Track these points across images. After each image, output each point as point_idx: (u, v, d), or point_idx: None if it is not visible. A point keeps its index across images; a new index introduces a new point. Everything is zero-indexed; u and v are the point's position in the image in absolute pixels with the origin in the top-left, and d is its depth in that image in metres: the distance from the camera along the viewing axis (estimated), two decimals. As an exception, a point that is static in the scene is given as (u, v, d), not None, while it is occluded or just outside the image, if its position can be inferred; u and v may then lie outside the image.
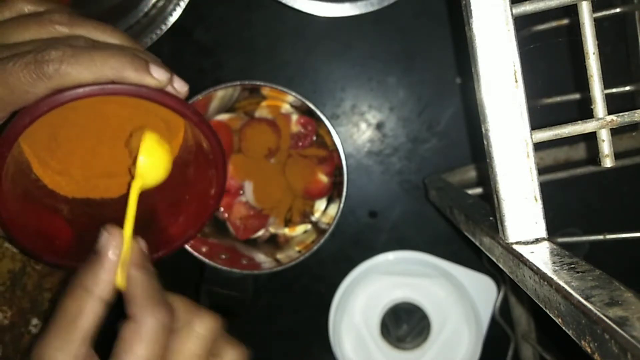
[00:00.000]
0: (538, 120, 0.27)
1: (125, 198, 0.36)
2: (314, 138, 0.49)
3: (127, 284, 0.28)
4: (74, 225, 0.35)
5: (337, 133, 0.44)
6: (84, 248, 0.34)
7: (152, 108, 0.32)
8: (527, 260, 0.24)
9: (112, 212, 0.37)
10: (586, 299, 0.20)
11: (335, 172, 0.49)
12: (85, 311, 0.27)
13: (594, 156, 0.26)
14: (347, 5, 0.48)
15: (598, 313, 0.19)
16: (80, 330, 0.27)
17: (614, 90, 0.41)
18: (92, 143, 0.34)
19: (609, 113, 0.25)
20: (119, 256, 0.28)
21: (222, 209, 0.50)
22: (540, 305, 0.23)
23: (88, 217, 0.36)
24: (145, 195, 0.32)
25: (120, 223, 0.35)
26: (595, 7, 0.26)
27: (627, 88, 0.42)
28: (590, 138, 0.26)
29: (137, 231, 0.31)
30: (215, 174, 0.34)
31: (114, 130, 0.34)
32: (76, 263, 0.33)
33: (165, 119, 0.34)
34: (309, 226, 0.50)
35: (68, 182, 0.35)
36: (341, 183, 0.45)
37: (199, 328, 0.29)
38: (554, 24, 0.43)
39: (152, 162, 0.31)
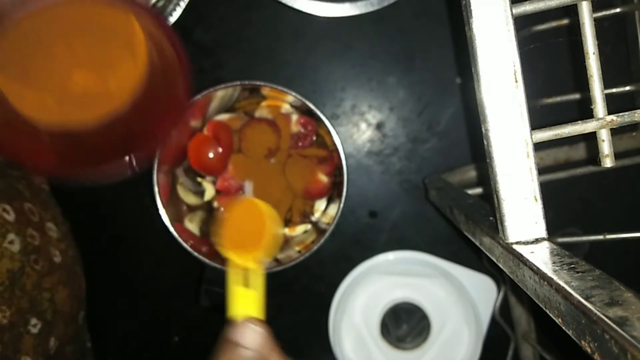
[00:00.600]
0: (538, 120, 0.27)
1: (105, 125, 0.38)
2: (314, 138, 0.49)
3: None
4: (56, 150, 0.37)
5: (337, 133, 0.44)
6: (65, 165, 0.37)
7: (115, 35, 0.33)
8: (527, 260, 0.24)
9: (92, 137, 0.39)
10: (586, 299, 0.20)
11: (335, 172, 0.49)
12: None
13: (594, 156, 0.26)
14: (347, 5, 0.48)
15: (598, 313, 0.19)
16: None
17: (614, 90, 0.41)
18: (61, 70, 0.37)
19: (609, 113, 0.25)
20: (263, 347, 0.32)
21: (222, 208, 0.50)
22: (540, 305, 0.23)
23: (68, 142, 0.38)
24: (121, 121, 0.35)
25: (101, 148, 0.38)
26: (595, 7, 0.26)
27: (627, 88, 0.42)
28: (590, 138, 0.26)
29: (118, 148, 0.35)
30: (180, 70, 0.35)
31: (81, 57, 0.36)
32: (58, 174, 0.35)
33: (129, 43, 0.36)
34: (309, 226, 0.50)
35: (44, 111, 0.37)
36: (341, 183, 0.45)
37: None
38: (554, 24, 0.43)
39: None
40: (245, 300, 0.32)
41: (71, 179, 0.36)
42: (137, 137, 0.36)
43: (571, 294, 0.20)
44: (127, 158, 0.34)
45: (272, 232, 0.34)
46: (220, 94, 0.45)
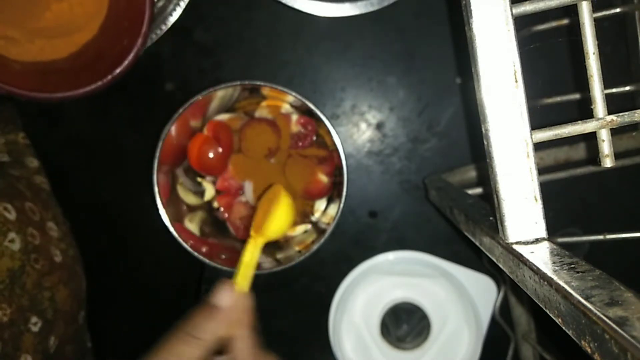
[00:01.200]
0: (538, 120, 0.27)
1: (74, 56, 0.41)
2: (314, 138, 0.49)
3: (237, 342, 0.34)
4: (28, 76, 0.39)
5: (337, 133, 0.44)
6: (39, 90, 0.39)
7: None
8: (527, 260, 0.24)
9: (63, 63, 0.41)
10: (586, 299, 0.20)
11: (335, 172, 0.49)
12: (188, 355, 0.32)
13: (594, 156, 0.26)
14: (347, 5, 0.48)
15: (598, 313, 0.19)
16: None
17: (614, 90, 0.41)
18: (30, 6, 0.38)
19: (609, 113, 0.25)
20: (232, 311, 0.33)
21: (222, 208, 0.50)
22: (540, 305, 0.23)
23: (41, 69, 0.40)
24: (90, 46, 0.38)
25: (73, 72, 0.41)
26: (595, 7, 0.26)
27: (627, 88, 0.42)
28: (590, 138, 0.26)
29: (89, 72, 0.38)
30: None
31: None
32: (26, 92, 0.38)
33: None
34: (309, 226, 0.50)
35: (13, 44, 0.38)
36: (341, 183, 0.45)
37: None
38: (554, 24, 0.43)
39: (282, 225, 0.38)
40: (242, 272, 0.36)
41: (49, 100, 0.39)
42: (105, 61, 0.38)
43: (571, 294, 0.20)
44: (99, 82, 0.37)
45: (279, 214, 0.37)
46: (220, 94, 0.45)
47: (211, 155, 0.48)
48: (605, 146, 0.25)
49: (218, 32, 0.52)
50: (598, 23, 0.25)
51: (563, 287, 0.21)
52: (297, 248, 0.48)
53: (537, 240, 0.26)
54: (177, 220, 0.45)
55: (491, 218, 0.32)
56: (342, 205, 0.44)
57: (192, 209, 0.49)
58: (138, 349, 0.57)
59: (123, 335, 0.56)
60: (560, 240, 0.39)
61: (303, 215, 0.50)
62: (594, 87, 0.25)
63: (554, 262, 0.23)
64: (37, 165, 0.49)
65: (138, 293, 0.55)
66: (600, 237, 0.38)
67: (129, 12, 0.40)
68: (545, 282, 0.22)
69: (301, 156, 0.49)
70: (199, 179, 0.50)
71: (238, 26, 0.52)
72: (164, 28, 0.48)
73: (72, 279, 0.46)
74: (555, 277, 0.22)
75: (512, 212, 0.26)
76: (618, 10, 0.41)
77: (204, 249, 0.45)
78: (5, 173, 0.45)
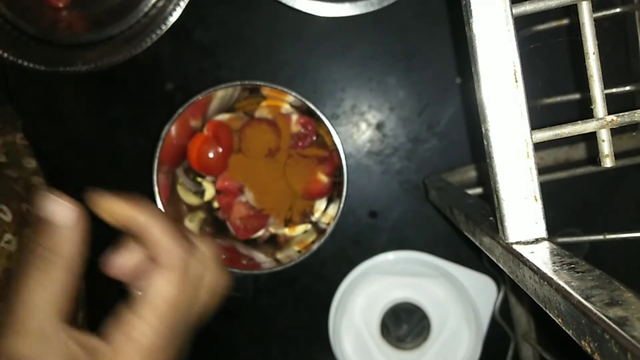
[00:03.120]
0: (538, 120, 0.27)
1: None
2: (314, 138, 0.49)
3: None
4: None
5: (337, 133, 0.44)
6: None
7: None
8: (527, 260, 0.24)
9: None
10: (586, 299, 0.20)
11: (335, 172, 0.49)
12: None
13: (594, 156, 0.26)
14: (347, 5, 0.48)
15: (598, 313, 0.19)
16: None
17: (614, 90, 0.41)
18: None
19: (609, 113, 0.25)
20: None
21: (222, 208, 0.50)
22: (540, 305, 0.23)
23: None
24: None
25: None
26: (595, 7, 0.26)
27: (627, 88, 0.41)
28: (590, 138, 0.26)
29: None
30: None
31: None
32: None
33: None
34: (309, 226, 0.50)
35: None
36: (341, 183, 0.45)
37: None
38: (554, 24, 0.43)
39: None
40: None
41: None
42: None
43: (571, 294, 0.20)
44: None
45: None
46: (220, 94, 0.45)
47: (211, 155, 0.48)
48: (605, 146, 0.25)
49: (218, 32, 0.52)
50: (598, 23, 0.25)
51: (563, 287, 0.21)
52: (297, 248, 0.48)
53: (537, 240, 0.26)
54: (177, 220, 0.45)
55: (491, 218, 0.32)
56: (342, 205, 0.44)
57: (192, 209, 0.49)
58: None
59: (123, 336, 0.56)
60: (560, 240, 0.39)
61: (303, 215, 0.50)
62: (594, 87, 0.25)
63: (554, 262, 0.23)
64: (35, 166, 0.49)
65: (138, 293, 0.55)
66: (600, 237, 0.38)
67: None
68: (545, 282, 0.22)
69: (301, 156, 0.49)
70: (199, 179, 0.50)
71: (238, 26, 0.52)
72: (164, 28, 0.48)
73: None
74: (555, 277, 0.22)
75: (512, 212, 0.26)
76: (618, 10, 0.41)
77: (203, 249, 0.45)
78: (2, 174, 0.45)
